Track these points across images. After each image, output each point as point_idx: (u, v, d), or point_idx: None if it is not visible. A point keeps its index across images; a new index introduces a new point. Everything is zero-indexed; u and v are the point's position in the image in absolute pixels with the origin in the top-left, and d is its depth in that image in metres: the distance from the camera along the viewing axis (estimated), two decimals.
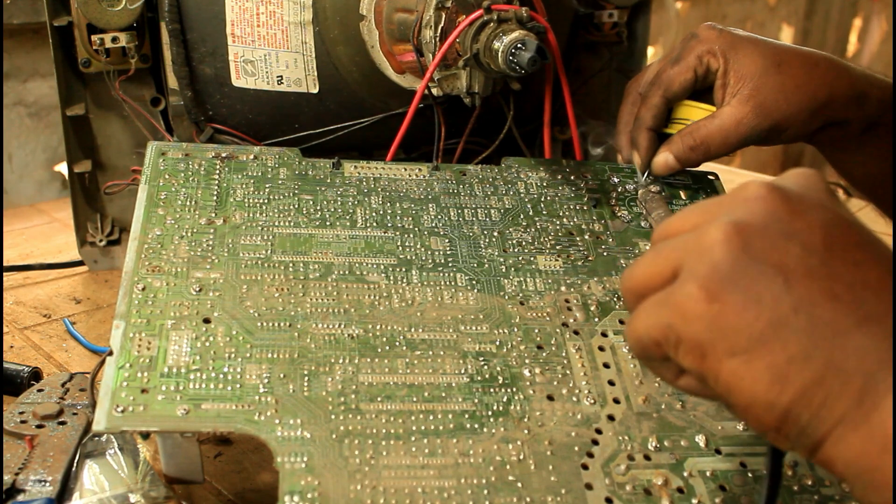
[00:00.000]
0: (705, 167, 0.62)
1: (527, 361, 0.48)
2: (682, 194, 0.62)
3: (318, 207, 0.56)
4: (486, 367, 0.48)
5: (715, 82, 0.59)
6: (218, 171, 0.58)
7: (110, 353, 0.45)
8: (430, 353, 0.48)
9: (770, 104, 0.57)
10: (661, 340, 0.34)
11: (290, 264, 0.52)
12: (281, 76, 0.65)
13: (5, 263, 0.80)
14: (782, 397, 0.31)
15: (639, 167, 0.61)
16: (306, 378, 0.45)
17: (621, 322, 0.52)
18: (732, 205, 0.34)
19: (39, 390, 0.54)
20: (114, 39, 0.67)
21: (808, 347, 0.31)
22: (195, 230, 0.53)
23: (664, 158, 0.60)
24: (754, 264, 0.32)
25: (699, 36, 0.59)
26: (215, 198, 0.56)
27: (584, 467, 0.44)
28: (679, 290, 0.33)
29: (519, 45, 0.52)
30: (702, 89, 0.60)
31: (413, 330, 0.49)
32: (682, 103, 0.61)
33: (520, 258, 0.55)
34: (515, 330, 0.50)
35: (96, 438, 0.48)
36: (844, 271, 0.31)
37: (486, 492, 0.42)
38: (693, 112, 0.60)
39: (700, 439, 0.46)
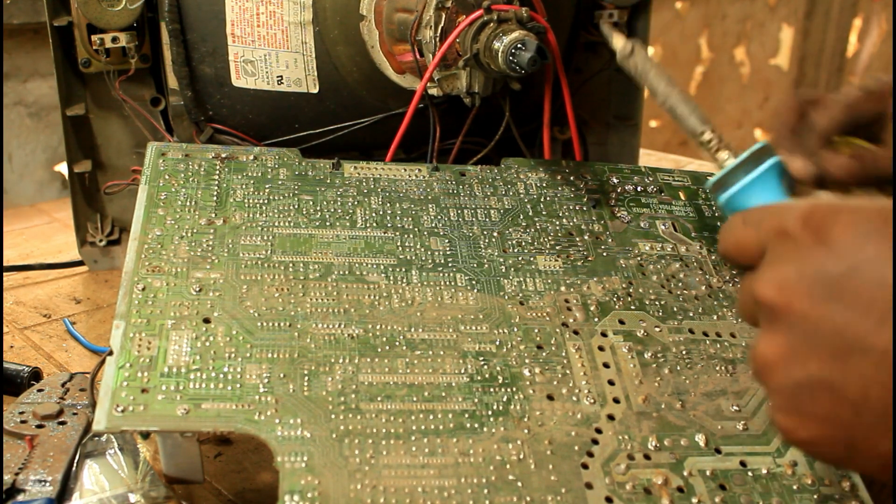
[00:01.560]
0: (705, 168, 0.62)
1: (527, 361, 0.48)
2: (682, 194, 0.62)
3: (318, 208, 0.56)
4: (486, 366, 0.48)
5: (884, 131, 0.57)
6: (218, 172, 0.58)
7: (110, 353, 0.45)
8: (430, 352, 0.48)
9: None
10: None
11: (290, 264, 0.52)
12: (281, 76, 0.65)
13: (5, 263, 0.80)
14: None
15: (800, 173, 0.53)
16: (306, 378, 0.45)
17: (621, 322, 0.52)
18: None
19: (39, 390, 0.54)
20: (114, 39, 0.67)
21: (887, 442, 0.32)
22: (195, 230, 0.53)
23: (833, 161, 0.54)
24: (803, 383, 0.34)
25: (884, 81, 0.56)
26: (215, 198, 0.56)
27: (584, 467, 0.44)
28: (774, 423, 0.36)
29: (519, 45, 0.52)
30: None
31: (413, 330, 0.49)
32: (845, 138, 0.58)
33: (519, 258, 0.55)
34: (515, 330, 0.50)
35: (96, 438, 0.48)
36: None
37: (486, 491, 0.42)
38: (859, 142, 0.58)
39: (700, 439, 0.46)
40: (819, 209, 0.35)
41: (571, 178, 0.62)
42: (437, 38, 0.56)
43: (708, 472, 0.45)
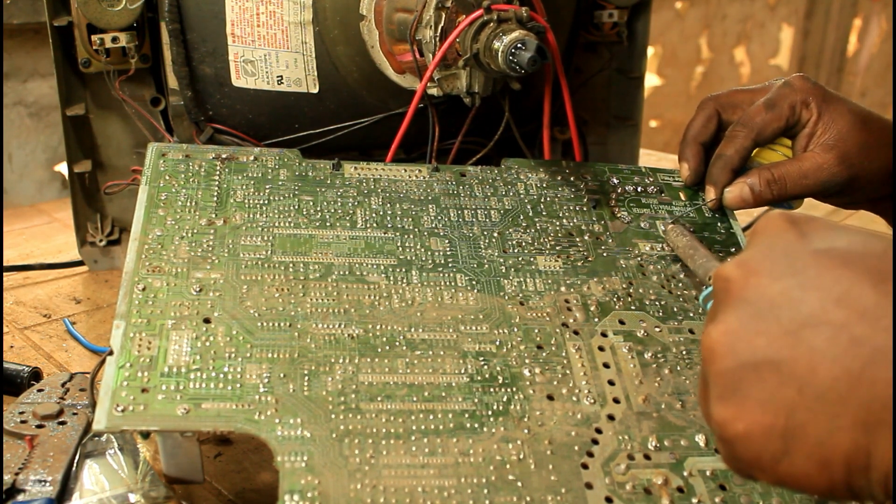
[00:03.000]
0: None
1: (527, 361, 0.48)
2: (682, 195, 0.62)
3: (319, 208, 0.56)
4: (486, 366, 0.48)
5: (801, 132, 0.60)
6: (218, 172, 0.58)
7: (110, 353, 0.45)
8: (430, 352, 0.48)
9: (852, 156, 0.58)
10: (736, 468, 0.34)
11: (291, 265, 0.52)
12: (281, 76, 0.65)
13: (5, 263, 0.80)
14: (835, 476, 0.30)
15: (713, 204, 0.60)
16: (306, 378, 0.45)
17: (621, 322, 0.52)
18: (715, 306, 0.35)
19: (39, 390, 0.54)
20: (114, 39, 0.67)
21: (827, 425, 0.30)
22: (195, 231, 0.53)
23: (739, 190, 0.59)
24: (748, 363, 0.32)
25: (793, 85, 0.60)
26: (215, 199, 0.56)
27: (584, 467, 0.44)
28: (711, 423, 0.34)
29: (519, 45, 0.53)
30: (786, 134, 0.61)
31: (413, 330, 0.49)
32: (761, 149, 0.61)
33: (520, 259, 0.55)
34: (515, 330, 0.50)
35: (96, 438, 0.48)
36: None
37: (486, 491, 0.42)
38: (772, 156, 0.61)
39: (700, 439, 0.46)
40: (797, 216, 0.35)
41: (572, 178, 0.62)
42: (437, 38, 0.56)
43: (708, 472, 0.45)
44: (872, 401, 0.29)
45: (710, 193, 0.60)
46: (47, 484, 0.45)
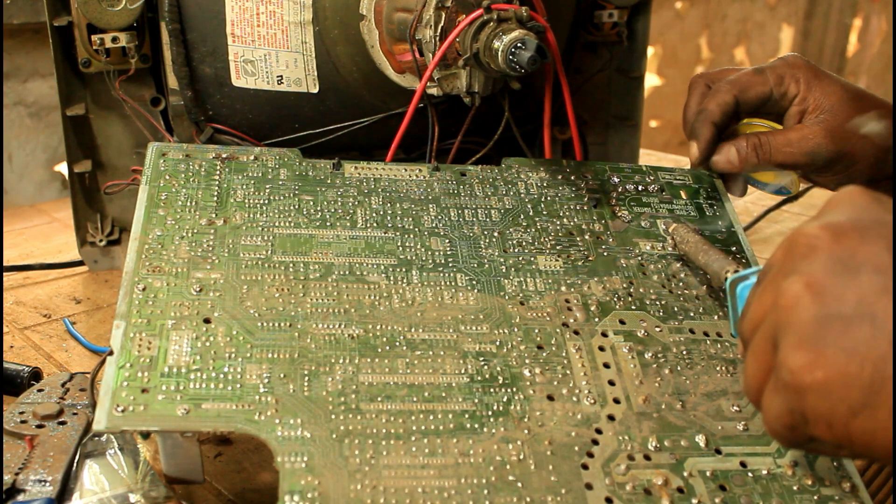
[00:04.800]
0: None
1: (527, 361, 0.48)
2: (683, 194, 0.62)
3: (319, 208, 0.56)
4: (486, 367, 0.48)
5: (790, 108, 0.60)
6: (218, 172, 0.58)
7: (111, 353, 0.45)
8: (431, 353, 0.48)
9: (840, 133, 0.58)
10: (792, 425, 0.33)
11: (291, 265, 0.52)
12: (281, 76, 0.65)
13: (5, 263, 0.80)
14: None
15: (694, 159, 0.59)
16: (306, 378, 0.45)
17: (622, 322, 0.52)
18: (793, 263, 0.33)
19: (39, 390, 0.54)
20: (114, 39, 0.67)
21: None
22: (196, 231, 0.53)
23: (726, 152, 0.59)
24: (835, 315, 0.31)
25: (787, 60, 0.60)
26: (216, 198, 0.56)
27: (584, 467, 0.44)
28: (782, 373, 0.32)
29: (519, 45, 0.52)
30: (773, 111, 0.61)
31: (413, 330, 0.49)
32: (749, 120, 0.61)
33: (520, 258, 0.55)
34: (515, 330, 0.50)
35: (96, 438, 0.48)
36: None
37: (486, 492, 0.42)
38: (759, 128, 0.61)
39: (700, 439, 0.46)
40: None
41: (572, 177, 0.62)
42: (437, 38, 0.56)
43: (708, 473, 0.45)
44: (892, 402, 0.29)
45: (693, 148, 0.60)
46: (47, 484, 0.45)
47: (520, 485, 0.42)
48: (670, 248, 0.57)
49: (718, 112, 0.59)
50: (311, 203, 0.56)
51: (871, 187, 0.63)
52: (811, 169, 0.60)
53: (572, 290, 0.53)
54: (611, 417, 0.46)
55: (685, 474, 0.44)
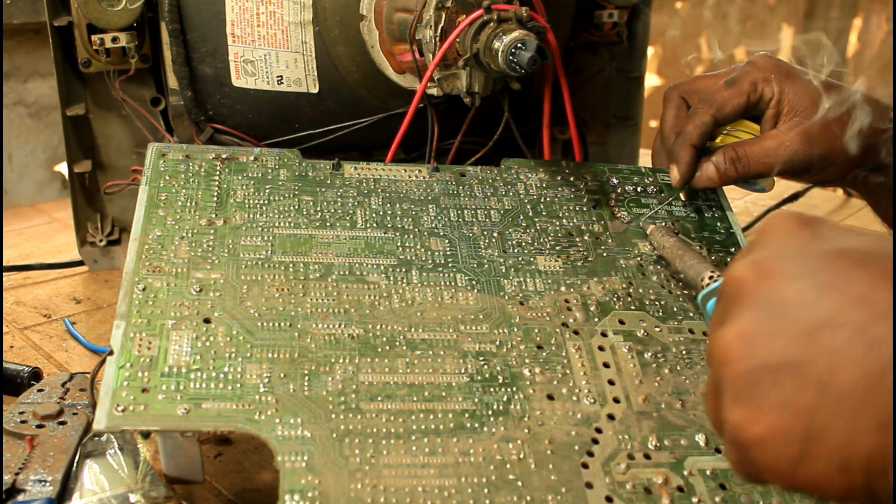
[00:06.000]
0: None
1: (527, 361, 0.48)
2: (682, 195, 0.62)
3: (319, 208, 0.56)
4: (486, 366, 0.48)
5: (766, 111, 0.60)
6: (218, 173, 0.58)
7: (111, 353, 0.45)
8: (431, 352, 0.48)
9: (816, 135, 0.58)
10: (746, 472, 0.33)
11: (291, 265, 0.52)
12: (281, 76, 0.65)
13: (5, 263, 0.80)
14: (855, 479, 0.30)
15: (675, 182, 0.60)
16: (307, 377, 0.45)
17: (621, 322, 0.52)
18: (725, 308, 0.34)
19: (39, 390, 0.54)
20: (114, 39, 0.67)
21: (848, 428, 0.29)
22: (196, 231, 0.53)
23: (705, 169, 0.59)
24: (764, 366, 0.31)
25: (756, 63, 0.60)
26: (216, 199, 0.56)
27: (585, 466, 0.44)
28: (726, 427, 0.33)
29: (519, 45, 0.53)
30: (750, 116, 0.61)
31: (413, 330, 0.49)
32: (727, 129, 0.61)
33: (519, 259, 0.55)
34: (515, 330, 0.50)
35: (96, 438, 0.48)
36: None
37: (486, 491, 0.42)
38: (740, 135, 0.61)
39: (700, 438, 0.46)
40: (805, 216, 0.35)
41: (571, 178, 0.62)
42: (437, 38, 0.56)
43: (708, 472, 0.45)
44: (890, 402, 0.28)
45: (673, 171, 0.60)
46: (47, 484, 0.45)
47: (520, 484, 0.42)
48: (647, 250, 0.57)
49: (696, 134, 0.59)
50: (311, 203, 0.56)
51: (847, 182, 0.63)
52: (790, 174, 0.60)
53: (572, 290, 0.53)
54: (611, 417, 0.46)
55: (685, 473, 0.44)
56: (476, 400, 0.46)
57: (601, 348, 0.50)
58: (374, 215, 0.56)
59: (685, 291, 0.54)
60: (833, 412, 0.29)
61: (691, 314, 0.53)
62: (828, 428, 0.30)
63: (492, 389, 0.47)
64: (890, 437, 0.29)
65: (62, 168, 1.11)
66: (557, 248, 0.56)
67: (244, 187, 0.57)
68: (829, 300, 0.30)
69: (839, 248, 0.32)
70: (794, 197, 1.02)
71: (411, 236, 0.55)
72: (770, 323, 0.31)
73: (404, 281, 0.52)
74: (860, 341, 0.29)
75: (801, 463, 0.30)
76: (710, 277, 0.49)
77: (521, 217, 0.58)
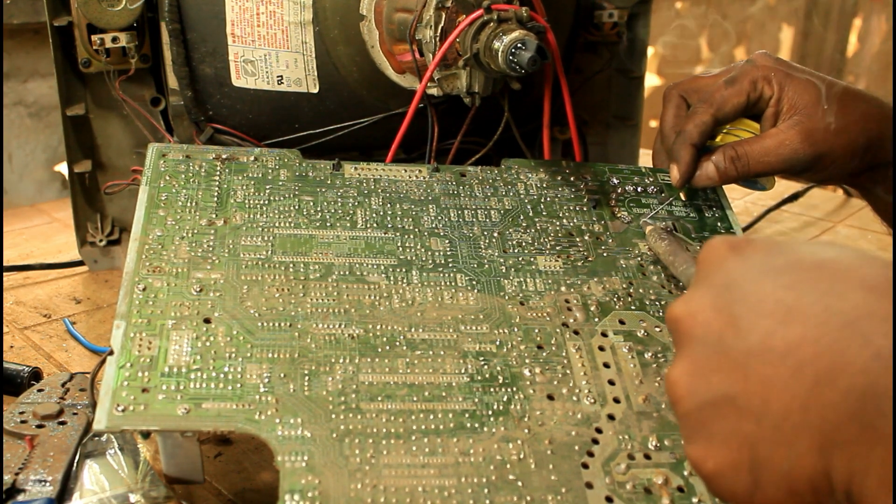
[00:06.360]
0: None
1: (527, 361, 0.48)
2: (682, 195, 0.62)
3: (319, 208, 0.56)
4: (486, 366, 0.48)
5: (766, 110, 0.59)
6: (218, 173, 0.58)
7: (111, 353, 0.45)
8: (431, 352, 0.48)
9: (817, 134, 0.57)
10: (718, 496, 0.33)
11: (291, 265, 0.52)
12: (281, 76, 0.65)
13: (5, 263, 0.80)
14: (805, 501, 0.30)
15: (675, 181, 0.59)
16: (307, 377, 0.45)
17: (621, 322, 0.52)
18: (675, 345, 0.34)
19: (39, 390, 0.54)
20: (114, 39, 0.67)
21: (788, 455, 0.30)
22: (196, 231, 0.53)
23: (705, 169, 0.59)
24: (708, 402, 0.32)
25: (755, 62, 0.60)
26: (216, 199, 0.56)
27: (585, 466, 0.44)
28: (689, 461, 0.34)
29: (519, 45, 0.52)
30: (750, 114, 0.60)
31: (413, 330, 0.49)
32: (727, 128, 0.61)
33: (520, 259, 0.55)
34: (515, 330, 0.50)
35: (96, 438, 0.48)
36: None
37: (486, 491, 0.42)
38: (740, 134, 0.61)
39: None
40: (737, 239, 0.35)
41: (571, 178, 0.62)
42: (437, 38, 0.56)
43: None
44: (823, 423, 0.29)
45: (673, 171, 0.60)
46: (47, 484, 0.45)
47: (520, 484, 0.42)
48: (647, 250, 0.57)
49: (696, 133, 0.59)
50: (311, 203, 0.56)
51: (849, 181, 0.63)
52: (790, 173, 0.60)
53: (572, 290, 0.53)
54: (611, 417, 0.46)
55: (685, 473, 0.44)
56: (476, 400, 0.46)
57: (601, 348, 0.50)
58: (374, 215, 0.56)
59: (685, 292, 0.54)
60: (772, 440, 0.30)
61: None
62: (771, 455, 0.30)
63: (492, 389, 0.47)
64: (829, 458, 0.29)
65: (62, 168, 1.11)
66: (558, 248, 0.56)
67: (244, 187, 0.57)
68: (756, 326, 0.31)
69: (766, 268, 0.32)
70: (794, 197, 1.02)
71: (411, 236, 0.55)
72: (706, 358, 0.32)
73: (404, 281, 0.52)
74: (785, 366, 0.29)
75: (755, 492, 0.31)
76: None
77: (522, 217, 0.58)
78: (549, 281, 0.54)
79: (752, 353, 0.30)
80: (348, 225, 0.55)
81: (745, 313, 0.31)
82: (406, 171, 0.60)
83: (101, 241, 0.77)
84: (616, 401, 0.47)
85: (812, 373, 0.29)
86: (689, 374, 0.32)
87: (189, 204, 0.55)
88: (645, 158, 0.94)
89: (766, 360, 0.30)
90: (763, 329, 0.30)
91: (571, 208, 0.60)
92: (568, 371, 0.48)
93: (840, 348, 0.28)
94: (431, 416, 0.45)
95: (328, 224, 0.55)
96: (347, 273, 0.52)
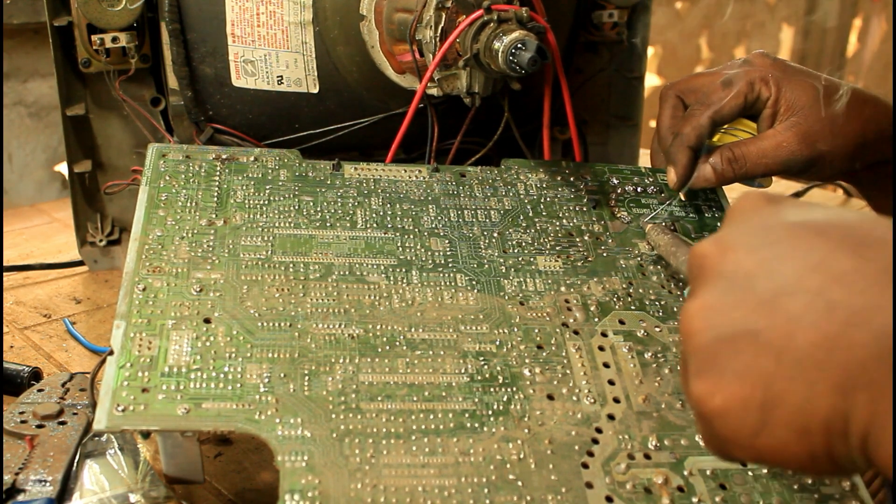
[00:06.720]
0: None
1: (527, 361, 0.48)
2: (682, 195, 0.62)
3: (319, 209, 0.56)
4: (486, 366, 0.48)
5: (764, 110, 0.59)
6: (218, 173, 0.58)
7: (111, 353, 0.45)
8: (431, 352, 0.48)
9: (815, 134, 0.57)
10: (715, 445, 0.33)
11: (291, 265, 0.52)
12: (281, 76, 0.65)
13: (5, 263, 0.80)
14: (815, 444, 0.30)
15: (673, 184, 0.59)
16: (307, 377, 0.45)
17: (621, 322, 0.52)
18: (693, 285, 0.34)
19: (39, 390, 0.54)
20: (114, 39, 0.67)
21: (806, 391, 0.29)
22: (196, 231, 0.53)
23: (703, 171, 0.59)
24: (725, 337, 0.31)
25: (752, 62, 0.60)
26: (216, 199, 0.56)
27: (585, 466, 0.44)
28: (690, 401, 0.33)
29: (519, 45, 0.53)
30: (747, 115, 0.60)
31: (413, 330, 0.49)
32: (725, 128, 0.61)
33: (519, 259, 0.55)
34: (515, 330, 0.50)
35: (96, 438, 0.48)
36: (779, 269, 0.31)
37: (486, 490, 0.42)
38: (738, 134, 0.60)
39: (700, 438, 0.46)
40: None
41: (571, 178, 0.62)
42: (437, 38, 0.56)
43: (708, 472, 0.45)
44: (849, 363, 0.28)
45: (671, 174, 0.60)
46: (47, 484, 0.45)
47: (520, 484, 0.42)
48: (646, 250, 0.57)
49: (694, 136, 0.59)
50: (311, 204, 0.56)
51: (845, 178, 0.63)
52: (788, 174, 0.60)
53: (572, 290, 0.53)
54: (611, 417, 0.46)
55: (685, 473, 0.44)
56: (476, 400, 0.46)
57: (601, 348, 0.50)
58: (374, 215, 0.56)
59: (685, 291, 0.54)
60: (790, 377, 0.30)
61: None
62: (786, 393, 0.30)
63: (492, 389, 0.47)
64: (849, 399, 0.28)
65: (62, 168, 1.11)
66: (557, 248, 0.56)
67: (244, 187, 0.57)
68: (787, 268, 0.30)
69: (801, 220, 0.32)
70: (794, 196, 1.02)
71: (411, 236, 0.55)
72: (730, 294, 0.32)
73: (404, 281, 0.52)
74: (817, 305, 0.29)
75: (761, 431, 0.31)
76: None
77: (521, 217, 0.58)
78: (549, 281, 0.54)
79: (782, 292, 0.30)
80: (348, 225, 0.55)
81: (777, 256, 0.31)
82: (406, 171, 0.60)
83: (101, 241, 0.77)
84: (616, 401, 0.47)
85: (844, 313, 0.29)
86: (708, 309, 0.32)
87: (189, 204, 0.55)
88: (645, 158, 0.94)
89: (796, 299, 0.30)
90: (795, 271, 0.30)
91: (571, 208, 0.60)
92: (568, 371, 0.48)
93: (875, 292, 0.28)
94: (431, 416, 0.45)
95: (328, 224, 0.55)
96: (347, 273, 0.52)
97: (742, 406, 0.31)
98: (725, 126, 0.61)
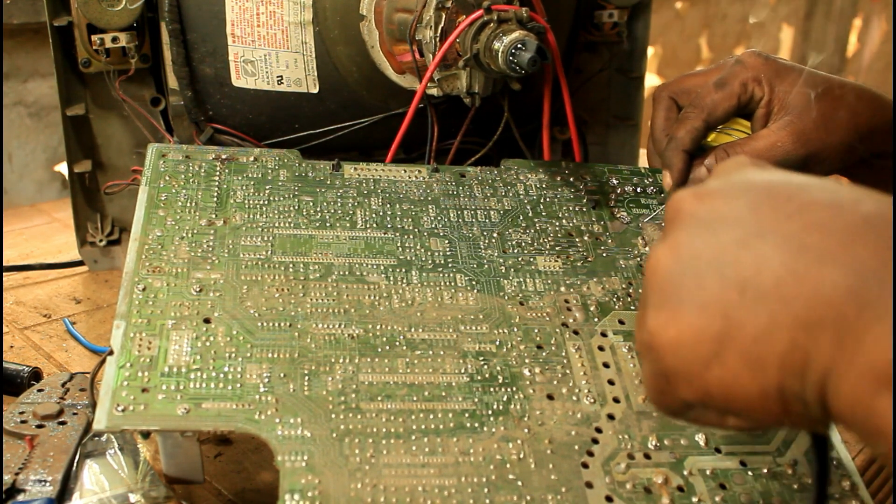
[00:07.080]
0: None
1: (527, 361, 0.48)
2: None
3: (318, 209, 0.56)
4: (486, 366, 0.48)
5: (757, 110, 0.59)
6: (218, 173, 0.58)
7: (111, 353, 0.45)
8: (431, 352, 0.48)
9: (809, 133, 0.57)
10: (660, 388, 0.33)
11: (291, 265, 0.52)
12: (281, 76, 0.65)
13: (5, 263, 0.80)
14: (768, 378, 0.29)
15: (668, 188, 0.59)
16: (307, 377, 0.45)
17: (621, 322, 0.52)
18: (665, 229, 0.34)
19: (39, 390, 0.54)
20: (114, 39, 0.67)
21: (767, 322, 0.29)
22: (195, 231, 0.53)
23: (697, 173, 0.58)
24: (691, 271, 0.31)
25: (745, 62, 0.59)
26: (215, 199, 0.56)
27: (585, 466, 0.44)
28: (644, 335, 0.33)
29: (519, 46, 0.53)
30: (741, 115, 0.60)
31: (413, 330, 0.49)
32: (720, 128, 0.61)
33: (519, 259, 0.55)
34: (515, 330, 0.50)
35: (96, 438, 0.48)
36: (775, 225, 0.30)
37: (486, 490, 0.42)
38: (733, 134, 0.60)
39: (700, 438, 0.46)
40: None
41: (571, 179, 0.62)
42: (437, 38, 0.56)
43: (708, 472, 0.45)
44: (817, 299, 0.28)
45: (666, 178, 0.59)
46: (47, 484, 0.45)
47: (520, 483, 0.42)
48: (646, 250, 0.57)
49: (688, 139, 0.59)
50: (311, 204, 0.56)
51: (842, 173, 0.63)
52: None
53: (571, 290, 0.53)
54: (611, 416, 0.46)
55: (685, 473, 0.44)
56: (476, 400, 0.46)
57: (601, 348, 0.50)
58: (373, 216, 0.56)
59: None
60: (752, 309, 0.29)
61: None
62: (744, 324, 0.30)
63: (492, 389, 0.47)
64: (812, 336, 0.28)
65: (62, 168, 1.11)
66: (557, 248, 0.56)
67: (244, 188, 0.57)
68: (763, 215, 0.31)
69: (782, 180, 0.32)
70: None
71: (411, 237, 0.55)
72: (702, 235, 0.32)
73: (404, 281, 0.52)
74: (789, 246, 0.29)
75: (712, 362, 0.30)
76: None
77: (521, 217, 0.58)
78: (549, 281, 0.54)
79: (757, 234, 0.30)
80: (348, 225, 0.55)
81: (755, 204, 0.31)
82: (406, 171, 0.60)
83: (101, 241, 0.77)
84: (616, 400, 0.47)
85: (816, 253, 0.29)
86: (678, 246, 0.32)
87: (189, 204, 0.55)
88: (645, 159, 0.94)
89: (769, 240, 0.30)
90: (773, 218, 0.30)
91: (571, 209, 0.60)
92: (568, 371, 0.48)
93: (851, 235, 0.28)
94: (431, 416, 0.45)
95: (328, 224, 0.55)
96: (347, 273, 0.52)
97: (696, 336, 0.31)
98: (720, 126, 0.61)
